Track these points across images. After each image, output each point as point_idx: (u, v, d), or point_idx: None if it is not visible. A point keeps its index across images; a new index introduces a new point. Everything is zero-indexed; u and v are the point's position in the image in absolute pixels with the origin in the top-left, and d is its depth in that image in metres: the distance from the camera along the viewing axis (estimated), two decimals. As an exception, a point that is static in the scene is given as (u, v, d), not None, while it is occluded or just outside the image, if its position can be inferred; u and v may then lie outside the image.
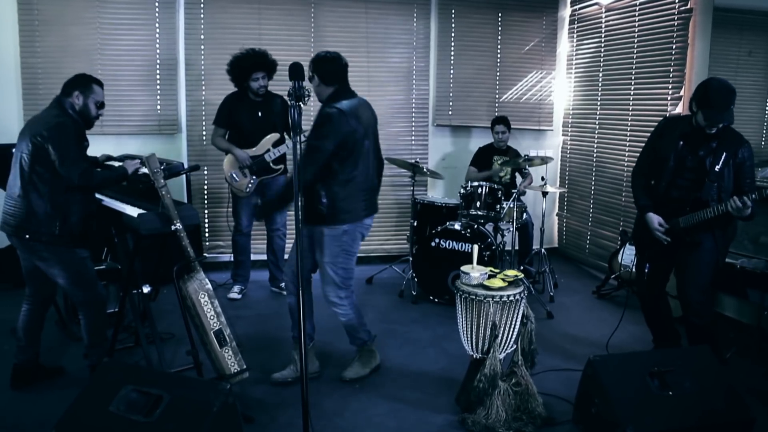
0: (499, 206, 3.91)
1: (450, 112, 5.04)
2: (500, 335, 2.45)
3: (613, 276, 4.17)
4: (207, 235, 4.66)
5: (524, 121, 5.16)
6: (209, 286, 2.45)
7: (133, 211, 2.53)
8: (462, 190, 3.99)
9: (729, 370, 2.76)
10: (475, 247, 2.66)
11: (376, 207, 2.81)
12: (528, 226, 4.37)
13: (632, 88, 4.42)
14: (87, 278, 2.60)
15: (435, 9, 4.89)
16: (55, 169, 2.44)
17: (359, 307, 2.86)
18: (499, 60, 5.06)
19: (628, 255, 3.93)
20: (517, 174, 4.61)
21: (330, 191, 2.58)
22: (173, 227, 2.41)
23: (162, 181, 2.42)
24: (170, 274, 2.44)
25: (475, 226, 3.93)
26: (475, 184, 3.93)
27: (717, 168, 2.56)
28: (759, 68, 4.16)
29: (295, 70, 2.06)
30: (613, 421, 2.15)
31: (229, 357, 2.44)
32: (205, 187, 4.60)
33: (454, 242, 3.84)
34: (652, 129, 4.14)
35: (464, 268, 2.56)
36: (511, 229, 4.01)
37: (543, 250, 4.26)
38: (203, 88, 4.51)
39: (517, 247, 4.11)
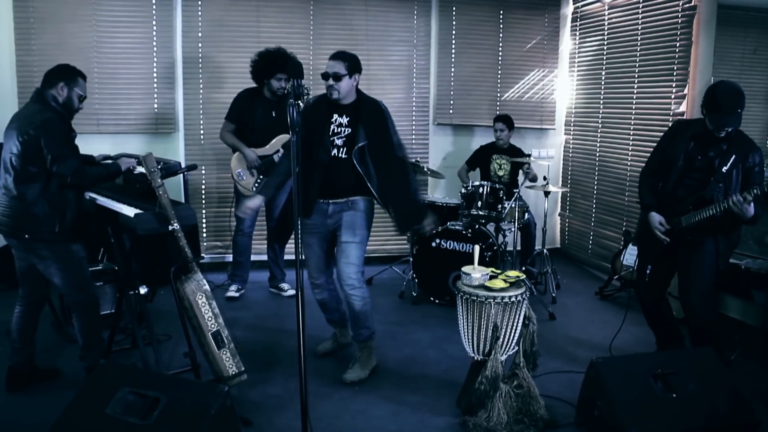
0: (500, 206, 3.89)
1: (451, 111, 5.02)
2: (502, 337, 2.43)
3: (616, 277, 4.15)
4: (205, 235, 4.64)
5: (526, 119, 5.14)
6: (207, 287, 2.43)
7: (129, 211, 2.51)
8: (463, 190, 3.97)
9: (733, 373, 2.75)
10: (477, 248, 2.65)
11: None
12: (530, 226, 4.35)
13: (635, 87, 4.39)
14: (82, 279, 2.59)
15: (436, 6, 4.87)
16: (47, 167, 2.41)
17: None
18: (500, 58, 5.03)
19: (631, 255, 3.91)
20: (519, 172, 4.58)
21: None
22: (170, 227, 2.40)
23: (159, 180, 2.40)
24: (167, 275, 2.43)
25: (477, 226, 3.91)
26: (476, 183, 3.91)
27: (724, 169, 2.56)
28: (764, 66, 4.13)
29: (295, 69, 2.05)
30: (616, 424, 2.14)
31: (227, 359, 2.43)
32: (203, 186, 4.58)
33: (455, 242, 3.82)
34: (655, 128, 4.21)
35: (465, 268, 2.55)
36: (513, 229, 3.99)
37: (545, 250, 4.23)
38: (201, 86, 4.48)
39: (518, 248, 4.10)
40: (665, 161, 2.74)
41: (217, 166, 4.53)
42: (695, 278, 2.67)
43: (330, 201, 2.77)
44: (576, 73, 5.13)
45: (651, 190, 2.81)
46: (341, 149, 2.71)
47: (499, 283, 2.46)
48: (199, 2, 4.41)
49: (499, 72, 5.04)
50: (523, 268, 4.21)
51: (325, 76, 2.63)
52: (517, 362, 2.51)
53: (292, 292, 4.05)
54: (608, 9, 4.70)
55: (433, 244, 3.87)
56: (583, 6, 5.01)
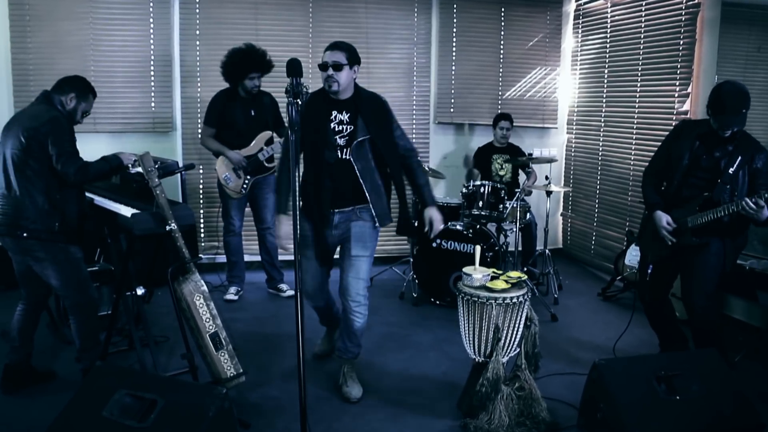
0: (502, 206, 3.87)
1: (452, 110, 4.99)
2: (503, 338, 2.42)
3: (619, 278, 4.13)
4: (203, 235, 4.62)
5: (528, 118, 5.11)
6: (205, 287, 2.42)
7: (126, 211, 2.51)
8: (464, 190, 3.95)
9: (738, 374, 2.72)
10: (478, 248, 2.64)
11: None
12: (532, 227, 4.33)
13: (638, 85, 4.37)
14: (80, 280, 2.57)
15: (436, 4, 4.84)
16: (50, 165, 2.40)
17: None
18: (502, 56, 5.00)
19: (634, 256, 3.89)
20: (520, 171, 4.55)
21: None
22: (168, 227, 2.38)
23: (156, 180, 2.38)
24: (165, 275, 2.40)
25: (478, 227, 3.89)
26: (478, 183, 3.88)
27: (731, 170, 2.55)
28: (768, 64, 4.10)
29: (294, 67, 2.02)
30: (619, 427, 2.12)
31: (225, 360, 2.42)
32: (201, 186, 4.56)
33: (456, 243, 3.80)
34: (659, 127, 4.18)
35: (466, 269, 2.54)
36: (515, 229, 3.97)
37: (547, 250, 4.21)
38: (198, 85, 4.46)
39: (520, 248, 4.08)
40: (670, 160, 2.73)
41: (214, 165, 4.49)
42: (699, 280, 2.65)
43: (335, 210, 2.56)
44: (578, 71, 5.11)
45: (655, 189, 2.79)
46: (344, 150, 2.52)
47: (500, 284, 2.45)
48: (197, 0, 4.38)
49: (501, 70, 5.02)
50: (525, 269, 4.19)
51: (324, 66, 2.44)
52: (518, 364, 2.50)
53: (291, 292, 4.02)
54: (611, 6, 4.67)
55: (434, 245, 3.85)
56: (585, 3, 4.98)
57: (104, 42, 4.23)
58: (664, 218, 2.69)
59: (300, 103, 2.13)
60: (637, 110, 4.38)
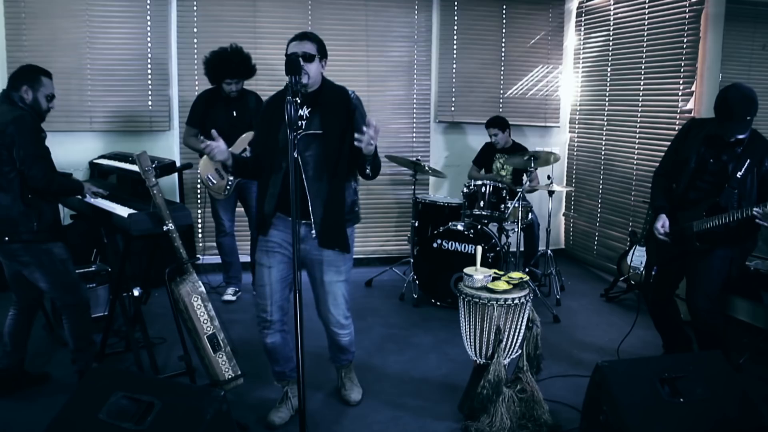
0: (503, 206, 3.84)
1: (452, 108, 4.96)
2: (505, 340, 2.41)
3: (622, 278, 4.11)
4: (200, 236, 4.60)
5: (530, 117, 5.08)
6: (202, 288, 2.40)
7: (123, 211, 2.49)
8: (465, 189, 3.92)
9: (743, 376, 2.71)
10: (479, 249, 2.63)
11: None
12: (533, 227, 4.30)
13: (642, 83, 4.35)
14: (69, 281, 2.55)
15: (437, 1, 4.81)
16: (17, 167, 2.37)
17: None
18: (503, 54, 4.97)
19: (637, 257, 3.86)
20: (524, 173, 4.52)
21: (355, 185, 2.39)
22: (165, 228, 2.37)
23: (153, 179, 2.36)
24: (162, 276, 2.40)
25: (479, 227, 3.86)
26: (479, 182, 3.86)
27: (739, 174, 2.50)
28: (773, 62, 4.06)
29: (293, 65, 1.99)
30: (622, 430, 2.09)
31: (223, 362, 2.40)
32: (198, 186, 4.53)
33: (457, 243, 3.77)
34: (662, 125, 4.14)
35: (467, 270, 2.53)
36: (516, 229, 3.95)
37: (549, 251, 4.19)
38: (196, 83, 4.42)
39: (522, 249, 4.06)
40: (677, 161, 2.69)
41: (213, 164, 4.49)
42: (702, 282, 2.62)
43: (302, 221, 2.25)
44: (581, 69, 5.08)
45: (664, 192, 2.75)
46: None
47: (502, 285, 2.44)
48: (195, -3, 4.37)
49: (502, 68, 4.99)
50: (527, 270, 4.17)
51: (293, 56, 2.13)
52: (520, 366, 2.49)
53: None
54: (614, 4, 4.64)
55: (435, 245, 3.82)
56: (588, 1, 4.96)
57: (101, 40, 4.20)
58: (659, 221, 2.68)
59: (298, 101, 2.09)
60: (640, 109, 4.36)
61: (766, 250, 3.47)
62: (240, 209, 3.98)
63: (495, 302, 2.36)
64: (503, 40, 4.95)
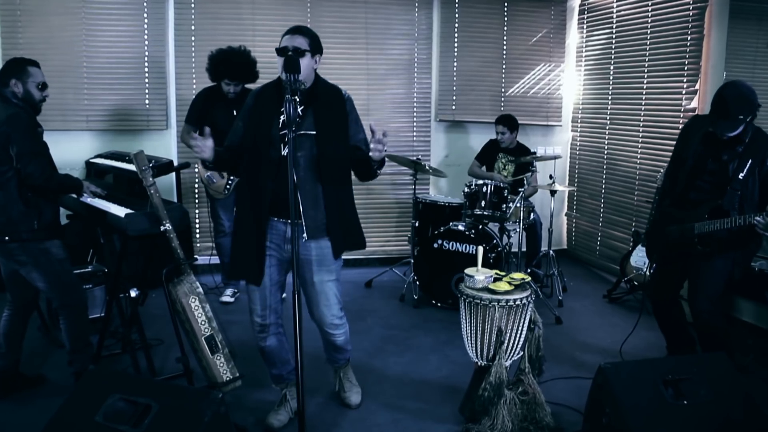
0: (505, 206, 3.82)
1: (453, 107, 4.94)
2: (506, 341, 2.40)
3: (625, 279, 4.08)
4: (198, 236, 4.58)
5: (531, 116, 5.06)
6: (200, 289, 2.39)
7: (120, 211, 2.48)
8: (466, 189, 3.89)
9: (747, 378, 2.68)
10: (480, 249, 2.62)
11: None
12: (535, 227, 4.28)
13: (645, 82, 4.33)
14: (66, 281, 2.54)
15: (438, -2, 4.81)
16: (14, 165, 2.35)
17: None
18: (505, 52, 4.95)
19: (640, 257, 3.83)
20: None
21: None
22: (162, 228, 2.35)
23: (150, 179, 2.34)
24: (159, 277, 2.39)
25: (480, 227, 3.84)
26: (480, 182, 3.83)
27: (741, 176, 2.45)
28: (777, 61, 4.04)
29: (291, 64, 1.97)
30: (626, 432, 2.07)
31: (221, 364, 2.38)
32: (196, 185, 4.51)
33: (458, 243, 3.75)
34: (666, 124, 4.12)
35: (468, 270, 2.52)
36: (518, 229, 3.93)
37: (551, 251, 4.17)
38: (194, 82, 4.40)
39: (524, 249, 4.04)
40: (679, 161, 2.66)
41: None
42: (704, 284, 2.59)
43: (287, 221, 2.21)
44: (583, 67, 5.06)
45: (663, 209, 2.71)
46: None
47: (503, 286, 2.43)
48: (193, -5, 4.35)
49: (504, 66, 4.96)
50: (529, 270, 4.15)
51: (284, 51, 2.08)
52: (522, 368, 2.48)
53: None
54: (617, 1, 4.62)
55: (435, 245, 3.80)
56: (590, -2, 4.94)
57: (97, 38, 4.18)
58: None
59: (297, 99, 2.07)
60: (643, 107, 4.34)
61: (771, 251, 3.44)
62: None
63: (496, 303, 2.35)
64: (505, 37, 4.93)
